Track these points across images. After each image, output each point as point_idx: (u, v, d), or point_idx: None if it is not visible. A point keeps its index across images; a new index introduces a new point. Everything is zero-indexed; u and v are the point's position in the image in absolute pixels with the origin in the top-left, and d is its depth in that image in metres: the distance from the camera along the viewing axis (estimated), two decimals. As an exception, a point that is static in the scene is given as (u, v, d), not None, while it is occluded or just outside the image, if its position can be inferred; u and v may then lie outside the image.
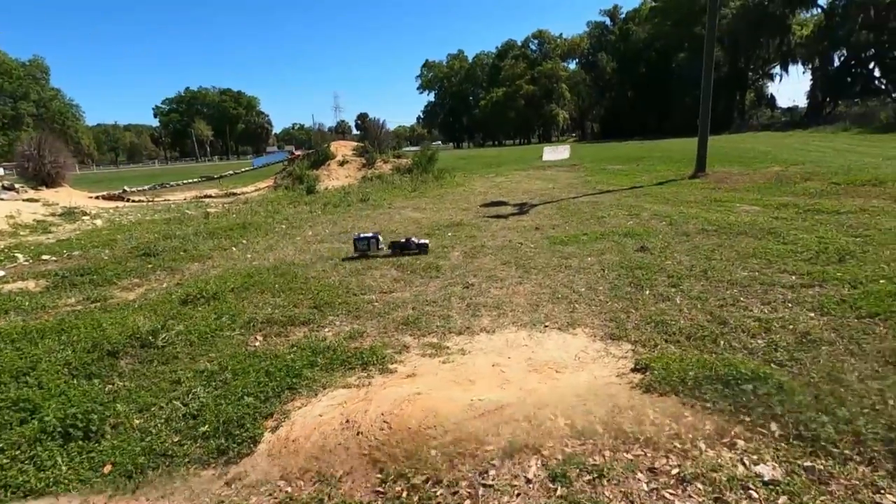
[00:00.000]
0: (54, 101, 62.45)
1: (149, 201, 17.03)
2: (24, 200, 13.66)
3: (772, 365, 3.04)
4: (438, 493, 2.16)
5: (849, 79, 48.12)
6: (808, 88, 55.94)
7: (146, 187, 19.47)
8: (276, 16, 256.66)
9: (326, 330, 4.33)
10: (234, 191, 16.90)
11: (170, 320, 4.44)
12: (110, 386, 3.36)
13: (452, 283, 5.51)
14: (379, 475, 2.31)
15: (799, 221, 7.42)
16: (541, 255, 6.48)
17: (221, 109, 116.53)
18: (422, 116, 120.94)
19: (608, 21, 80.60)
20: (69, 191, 16.75)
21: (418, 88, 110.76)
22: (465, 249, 7.06)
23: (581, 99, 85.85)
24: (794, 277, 4.74)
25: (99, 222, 12.20)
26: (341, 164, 16.12)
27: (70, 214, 12.95)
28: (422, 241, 7.20)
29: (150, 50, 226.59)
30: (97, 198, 16.85)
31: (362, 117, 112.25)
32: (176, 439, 2.67)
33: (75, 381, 3.30)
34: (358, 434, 2.50)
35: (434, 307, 4.73)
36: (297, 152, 19.29)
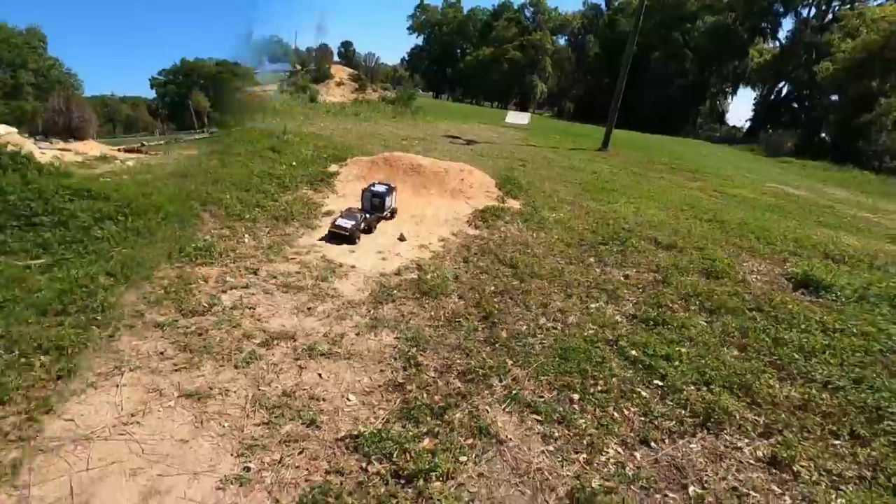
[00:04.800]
0: (52, 70, 55.85)
1: (165, 153, 16.96)
2: (58, 150, 13.40)
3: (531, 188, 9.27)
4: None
5: (782, 109, 51.98)
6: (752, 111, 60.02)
7: (162, 142, 20.01)
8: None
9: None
10: (245, 88, 18.54)
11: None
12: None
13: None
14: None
15: (619, 175, 12.45)
16: (464, 154, 11.27)
17: (216, 77, 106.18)
18: (406, 59, 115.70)
19: (603, 5, 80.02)
20: (94, 143, 16.70)
21: (408, 29, 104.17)
22: (425, 149, 11.30)
23: (564, 76, 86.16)
24: (577, 186, 10.10)
25: (130, 163, 12.39)
26: (338, 84, 17.82)
27: (104, 159, 12.98)
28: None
29: (145, 17, 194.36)
30: (119, 150, 16.72)
31: (346, 45, 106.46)
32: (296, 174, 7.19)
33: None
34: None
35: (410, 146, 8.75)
36: (298, 67, 20.92)
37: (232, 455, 2.73)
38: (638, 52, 64.89)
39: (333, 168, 8.94)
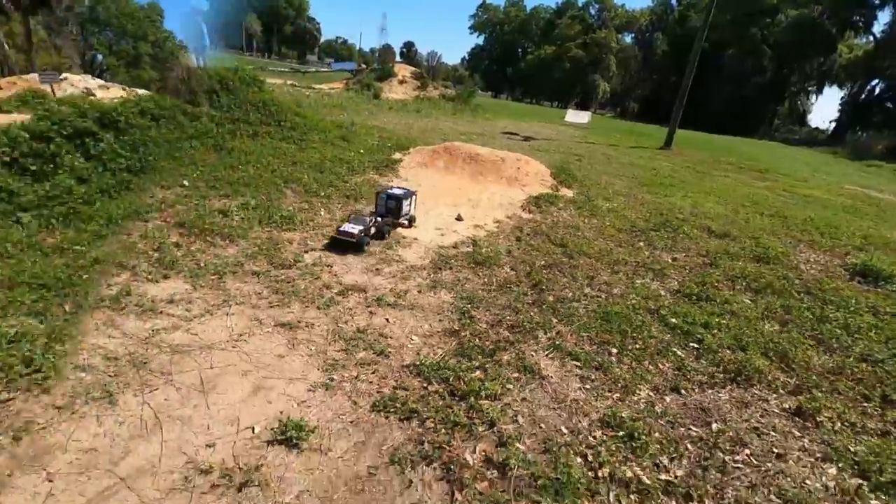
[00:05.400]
0: (167, 41, 63.31)
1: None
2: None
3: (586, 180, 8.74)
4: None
5: (874, 109, 47.59)
6: (838, 111, 55.36)
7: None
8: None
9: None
10: (314, 86, 19.66)
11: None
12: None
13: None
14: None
15: (680, 172, 12.01)
16: (521, 149, 11.32)
17: (273, 7, 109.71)
18: (467, 58, 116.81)
19: (673, 0, 77.21)
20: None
21: (470, 28, 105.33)
22: (483, 144, 11.15)
23: (629, 75, 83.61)
24: (634, 180, 9.59)
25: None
26: (401, 82, 18.64)
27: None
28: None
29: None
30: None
31: (408, 46, 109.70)
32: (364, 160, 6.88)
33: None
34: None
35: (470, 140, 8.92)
36: (363, 66, 21.96)
37: (318, 370, 3.37)
38: (709, 48, 61.61)
39: (397, 156, 9.61)
